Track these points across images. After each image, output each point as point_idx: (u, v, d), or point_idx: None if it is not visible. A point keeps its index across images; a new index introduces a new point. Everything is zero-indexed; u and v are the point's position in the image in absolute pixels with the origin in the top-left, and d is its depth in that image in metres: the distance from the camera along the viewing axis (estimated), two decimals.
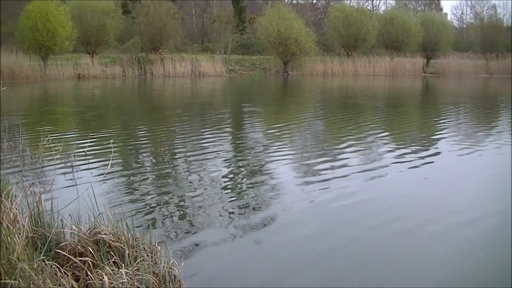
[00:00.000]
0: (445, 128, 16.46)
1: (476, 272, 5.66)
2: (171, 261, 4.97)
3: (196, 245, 6.07)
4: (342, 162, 10.79)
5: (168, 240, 6.12)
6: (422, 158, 11.27)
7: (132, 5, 50.51)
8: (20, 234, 4.51)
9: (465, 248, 6.30)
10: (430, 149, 12.67)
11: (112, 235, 5.05)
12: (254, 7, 66.96)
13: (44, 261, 4.39)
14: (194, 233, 6.45)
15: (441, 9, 78.57)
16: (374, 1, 79.97)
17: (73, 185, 8.49)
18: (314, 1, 77.70)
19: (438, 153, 12.04)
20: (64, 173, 9.26)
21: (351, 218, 7.17)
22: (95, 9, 41.51)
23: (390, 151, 12.15)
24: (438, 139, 14.32)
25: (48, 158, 10.08)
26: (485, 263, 5.90)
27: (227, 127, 16.79)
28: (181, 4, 61.00)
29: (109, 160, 9.22)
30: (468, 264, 5.86)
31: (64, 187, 8.32)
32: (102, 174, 8.98)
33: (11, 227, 4.45)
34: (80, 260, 4.74)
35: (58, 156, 9.93)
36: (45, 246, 4.82)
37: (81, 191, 6.84)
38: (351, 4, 62.00)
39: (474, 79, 48.24)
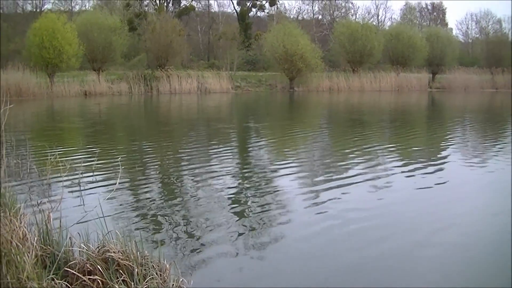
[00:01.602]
0: (451, 144, 16.44)
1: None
2: (181, 279, 4.94)
3: (205, 262, 6.04)
4: (348, 178, 10.75)
5: (177, 257, 6.09)
6: (428, 173, 11.24)
7: (138, 22, 50.77)
8: (29, 252, 4.50)
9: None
10: (436, 165, 12.61)
11: (121, 253, 5.02)
12: (260, 23, 67.18)
13: (53, 279, 4.37)
14: (202, 251, 6.42)
15: (446, 24, 78.82)
16: (379, 17, 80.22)
17: (81, 203, 8.48)
18: (320, 17, 77.94)
19: (446, 170, 11.99)
20: (72, 191, 9.25)
21: (357, 235, 7.13)
22: (102, 26, 41.68)
23: (396, 166, 12.13)
24: (446, 156, 14.26)
25: (55, 175, 10.07)
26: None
27: (234, 144, 16.80)
28: (187, 21, 61.27)
29: (117, 177, 9.20)
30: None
31: (72, 205, 8.30)
32: (110, 192, 8.97)
33: (21, 246, 4.44)
34: (89, 279, 4.72)
35: (65, 174, 9.92)
36: (54, 265, 4.80)
37: (88, 209, 6.84)
38: (356, 20, 62.14)
39: (480, 94, 48.20)
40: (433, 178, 10.85)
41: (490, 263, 6.00)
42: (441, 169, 11.96)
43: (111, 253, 4.99)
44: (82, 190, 9.37)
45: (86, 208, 7.59)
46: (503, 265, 5.86)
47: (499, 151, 14.57)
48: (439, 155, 14.40)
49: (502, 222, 7.53)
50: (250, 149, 15.67)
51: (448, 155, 14.16)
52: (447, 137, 18.30)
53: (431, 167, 12.18)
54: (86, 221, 5.76)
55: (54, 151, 10.69)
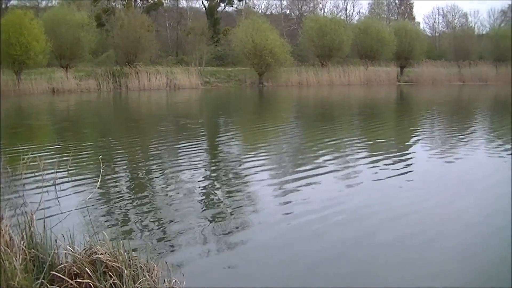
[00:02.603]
0: (421, 135, 16.62)
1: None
2: (173, 281, 4.87)
3: (195, 262, 5.99)
4: (316, 170, 10.89)
5: (164, 257, 6.01)
6: (399, 168, 11.29)
7: (106, 18, 50.23)
8: (17, 257, 4.37)
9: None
10: (407, 159, 12.66)
11: (109, 254, 4.91)
12: (229, 18, 66.90)
13: (43, 284, 4.26)
14: (185, 249, 6.38)
15: (414, 18, 79.14)
16: (347, 11, 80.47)
17: (58, 204, 8.34)
18: (288, 12, 77.95)
19: (415, 162, 12.09)
20: (48, 192, 9.08)
21: (330, 232, 7.11)
22: (69, 22, 41.07)
23: (367, 161, 12.16)
24: (415, 148, 14.39)
25: (29, 176, 9.89)
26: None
27: (203, 139, 16.74)
28: (155, 16, 60.76)
29: (93, 176, 9.08)
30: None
31: (50, 206, 8.15)
32: (88, 190, 8.84)
33: (8, 251, 4.31)
34: (77, 282, 4.61)
35: (40, 174, 9.74)
36: (41, 269, 4.68)
37: (67, 210, 6.71)
38: (325, 14, 62.29)
39: (447, 87, 48.64)
40: (402, 170, 11.00)
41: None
42: (408, 161, 12.10)
43: (98, 255, 4.88)
44: (58, 190, 9.23)
45: (66, 209, 7.45)
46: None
47: (466, 143, 14.70)
48: (407, 148, 14.50)
49: (501, 221, 7.56)
50: (219, 143, 15.68)
51: (415, 147, 14.30)
52: (414, 130, 18.52)
53: (399, 159, 12.29)
54: (68, 221, 5.60)
55: (26, 150, 10.48)
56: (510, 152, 12.95)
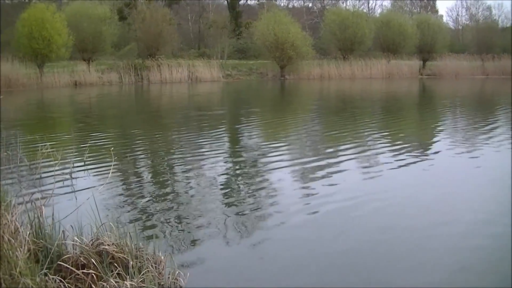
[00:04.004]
0: (443, 130, 16.47)
1: (476, 272, 5.61)
2: (177, 272, 4.88)
3: (200, 255, 6.00)
4: (340, 166, 10.77)
5: (171, 250, 6.03)
6: (421, 161, 11.25)
7: (128, 11, 50.31)
8: (21, 247, 4.42)
9: (465, 248, 6.26)
10: (429, 152, 12.63)
11: (115, 246, 4.95)
12: (250, 12, 66.82)
13: (47, 274, 4.30)
14: (196, 243, 6.38)
15: (437, 11, 78.51)
16: (369, 4, 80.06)
17: (73, 195, 8.42)
18: (310, 5, 77.71)
19: (437, 156, 12.06)
20: (63, 183, 9.17)
21: (349, 226, 7.10)
22: (91, 16, 41.33)
23: (388, 154, 12.09)
24: (437, 142, 14.32)
25: (46, 167, 9.97)
26: (485, 263, 5.85)
27: (225, 133, 16.72)
28: (177, 10, 60.86)
29: (109, 168, 9.11)
30: (468, 264, 5.81)
31: (64, 197, 8.23)
32: (102, 184, 8.88)
33: (13, 241, 4.36)
34: (83, 272, 4.65)
35: (57, 165, 9.82)
36: (47, 259, 4.72)
37: (81, 201, 6.75)
38: (347, 7, 61.98)
39: (470, 81, 48.17)
40: (427, 167, 10.84)
41: (490, 263, 5.95)
42: (434, 158, 11.95)
43: (105, 246, 4.93)
44: (74, 181, 9.30)
45: (79, 200, 7.51)
46: (503, 265, 5.81)
47: (490, 137, 14.53)
48: (428, 141, 14.42)
49: (501, 217, 7.49)
50: (242, 138, 15.61)
51: (441, 143, 14.14)
52: (437, 124, 18.33)
53: (425, 156, 12.18)
54: (79, 214, 5.64)
55: (45, 143, 10.55)
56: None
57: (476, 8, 75.67)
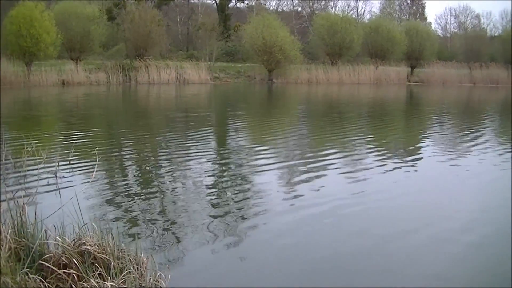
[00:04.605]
0: (429, 136, 16.54)
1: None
2: (158, 274, 4.88)
3: (183, 256, 6.00)
4: (325, 169, 10.81)
5: (154, 251, 6.02)
6: (406, 166, 11.33)
7: (117, 11, 50.24)
8: (3, 246, 4.40)
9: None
10: (413, 158, 12.68)
11: (97, 246, 4.94)
12: (239, 15, 66.87)
13: (27, 274, 4.28)
14: (179, 244, 6.36)
15: (426, 19, 78.94)
16: (359, 10, 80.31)
17: (57, 194, 8.39)
18: (299, 9, 77.82)
19: (422, 162, 12.17)
20: (47, 181, 9.13)
21: (336, 229, 7.14)
22: (80, 15, 41.24)
23: (373, 159, 12.16)
24: (422, 148, 14.38)
25: (31, 166, 9.93)
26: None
27: (212, 136, 16.71)
28: (166, 11, 60.82)
29: (94, 168, 9.08)
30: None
31: (47, 196, 8.20)
32: (87, 183, 8.85)
33: None
34: (65, 272, 4.63)
35: (41, 164, 9.79)
36: (29, 258, 4.70)
37: (64, 200, 6.72)
38: (336, 12, 62.16)
39: (458, 88, 48.47)
40: (411, 169, 10.92)
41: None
42: (419, 162, 12.03)
43: (87, 246, 4.91)
44: (59, 181, 9.26)
45: (62, 199, 7.47)
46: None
47: (476, 144, 14.61)
48: (413, 147, 14.50)
49: (499, 219, 7.54)
50: (228, 141, 15.63)
51: (427, 148, 14.23)
52: (424, 130, 18.42)
53: (410, 160, 12.25)
54: (62, 213, 5.62)
55: (30, 141, 10.51)
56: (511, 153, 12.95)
57: (464, 16, 76.31)
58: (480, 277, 5.61)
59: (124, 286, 4.49)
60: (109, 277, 4.59)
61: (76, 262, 4.71)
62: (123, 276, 4.59)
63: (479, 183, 9.98)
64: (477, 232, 6.99)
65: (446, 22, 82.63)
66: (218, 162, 11.82)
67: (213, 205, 8.07)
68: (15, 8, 36.52)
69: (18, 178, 9.25)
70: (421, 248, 6.42)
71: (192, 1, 70.49)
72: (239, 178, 10.02)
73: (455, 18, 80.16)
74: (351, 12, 71.43)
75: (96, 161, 8.60)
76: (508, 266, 5.75)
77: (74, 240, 5.07)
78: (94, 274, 4.60)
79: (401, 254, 6.22)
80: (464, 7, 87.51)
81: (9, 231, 4.87)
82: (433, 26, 78.20)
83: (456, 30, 77.95)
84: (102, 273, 4.66)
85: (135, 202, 8.19)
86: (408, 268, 5.84)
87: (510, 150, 13.74)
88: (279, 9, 74.97)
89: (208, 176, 10.14)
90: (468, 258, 6.17)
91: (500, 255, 6.15)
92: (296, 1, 78.58)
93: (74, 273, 4.59)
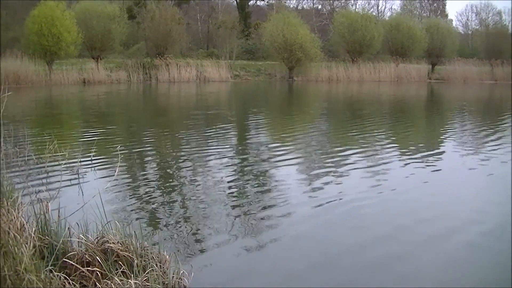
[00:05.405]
0: (450, 136, 16.39)
1: (476, 272, 5.60)
2: (181, 272, 4.88)
3: (204, 253, 6.00)
4: (347, 169, 10.72)
5: (176, 249, 6.03)
6: (427, 165, 11.19)
7: (138, 10, 50.42)
8: (27, 243, 4.43)
9: (465, 248, 6.25)
10: (435, 156, 12.58)
11: (120, 244, 4.96)
12: (259, 13, 66.89)
13: (51, 271, 4.30)
14: (202, 242, 6.37)
15: (446, 16, 78.55)
16: (379, 7, 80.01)
17: (79, 192, 8.43)
18: (319, 7, 77.69)
19: (441, 159, 12.15)
20: (70, 180, 9.18)
21: (355, 225, 7.13)
22: (101, 14, 41.52)
23: (395, 158, 12.10)
24: (443, 147, 14.28)
25: (54, 164, 9.99)
26: (485, 263, 5.84)
27: (233, 133, 16.73)
28: (187, 9, 60.97)
29: (116, 166, 9.12)
30: (468, 264, 5.80)
31: (70, 194, 8.25)
32: (109, 181, 8.90)
33: (18, 237, 4.37)
34: (88, 270, 4.65)
35: (64, 162, 9.85)
36: (53, 256, 4.73)
37: (87, 199, 6.76)
38: (356, 10, 61.96)
39: (479, 86, 48.09)
40: (431, 168, 10.84)
41: (490, 263, 5.94)
42: (438, 159, 11.94)
43: (110, 244, 4.94)
44: (81, 178, 9.31)
45: (85, 198, 7.50)
46: (503, 265, 5.80)
47: (497, 142, 14.47)
48: (437, 146, 14.39)
49: (502, 219, 7.47)
50: (249, 139, 15.61)
51: (446, 146, 14.16)
52: (445, 128, 18.29)
53: (430, 157, 12.17)
54: (84, 211, 5.64)
55: (53, 139, 10.57)
56: None
57: (486, 13, 75.48)
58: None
59: (147, 284, 4.50)
60: (132, 275, 4.61)
61: (99, 260, 4.73)
62: (146, 274, 4.61)
63: (498, 181, 9.89)
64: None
65: (467, 19, 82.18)
66: (240, 161, 11.80)
67: (235, 205, 8.05)
68: (36, 8, 36.83)
69: (41, 176, 9.32)
70: (438, 240, 6.40)
71: (212, 0, 70.61)
72: (261, 177, 10.01)
73: (476, 15, 79.53)
74: (371, 10, 71.26)
75: (118, 158, 8.62)
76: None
77: (97, 238, 5.10)
78: (117, 272, 4.62)
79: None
80: (486, 4, 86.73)
81: (33, 229, 4.90)
82: (454, 23, 77.82)
83: (477, 27, 77.22)
84: (125, 271, 4.67)
85: (156, 199, 8.22)
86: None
87: None
88: (299, 7, 74.95)
89: (230, 175, 10.12)
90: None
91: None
92: None
93: (98, 271, 4.61)
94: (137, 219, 7.05)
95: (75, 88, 35.44)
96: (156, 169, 10.90)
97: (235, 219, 7.24)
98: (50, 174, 9.49)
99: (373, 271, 5.65)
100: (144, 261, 4.85)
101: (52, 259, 4.64)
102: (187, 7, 61.60)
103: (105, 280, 4.50)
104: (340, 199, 8.25)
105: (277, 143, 14.21)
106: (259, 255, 6.08)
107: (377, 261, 5.89)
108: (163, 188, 9.08)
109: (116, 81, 40.80)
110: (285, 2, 71.79)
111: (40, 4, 37.18)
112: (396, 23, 53.87)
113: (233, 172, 10.36)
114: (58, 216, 5.22)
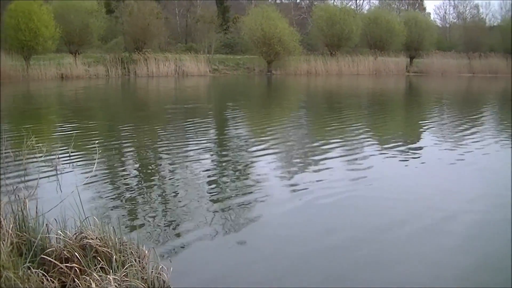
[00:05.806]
0: (430, 127, 16.50)
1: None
2: (160, 266, 4.88)
3: (184, 248, 6.00)
4: (327, 161, 10.75)
5: (156, 243, 6.02)
6: (407, 157, 11.26)
7: (116, 4, 50.14)
8: (4, 240, 4.41)
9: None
10: (414, 146, 12.67)
11: (99, 239, 4.95)
12: (238, 6, 66.78)
13: (30, 268, 4.29)
14: (181, 236, 6.37)
15: (424, 9, 78.78)
16: (357, 1, 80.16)
17: (57, 188, 8.39)
18: (298, 1, 77.73)
19: (421, 150, 12.20)
20: (48, 175, 9.13)
21: (338, 218, 7.15)
22: (78, 9, 41.18)
23: (374, 149, 12.21)
24: (424, 139, 14.36)
25: (31, 160, 9.93)
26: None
27: (211, 127, 16.71)
28: (165, 4, 60.62)
29: (94, 161, 9.08)
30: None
31: (48, 190, 8.21)
32: (88, 177, 8.86)
33: None
34: (67, 266, 4.63)
35: (42, 158, 9.79)
36: (31, 252, 4.71)
37: (65, 194, 6.73)
38: (335, 3, 62.04)
39: (457, 79, 48.39)
40: (411, 159, 10.91)
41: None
42: (419, 152, 11.99)
43: (89, 239, 4.92)
44: (59, 174, 9.27)
45: (64, 193, 7.48)
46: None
47: (474, 134, 14.59)
48: (418, 138, 14.47)
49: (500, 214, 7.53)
50: (228, 132, 15.60)
51: (427, 138, 14.24)
52: (423, 120, 18.40)
53: (408, 149, 12.25)
54: (63, 207, 5.61)
55: (30, 135, 10.50)
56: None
57: (463, 6, 75.83)
58: (480, 277, 5.58)
59: (126, 279, 4.50)
60: (111, 270, 4.60)
61: (78, 256, 4.72)
62: (125, 269, 4.60)
63: (478, 171, 9.96)
64: (475, 222, 7.00)
65: (445, 13, 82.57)
66: (218, 154, 11.82)
67: (215, 198, 8.05)
68: (13, 2, 36.47)
69: (19, 172, 9.26)
70: (419, 237, 6.43)
71: None
72: (240, 171, 10.02)
73: (454, 8, 79.90)
74: (350, 3, 71.32)
75: (96, 153, 8.58)
76: (508, 266, 5.72)
77: (75, 233, 5.08)
78: (96, 268, 4.61)
79: (396, 252, 6.17)
80: None
81: (11, 225, 4.88)
82: (432, 16, 78.27)
83: (455, 20, 77.68)
84: (104, 266, 4.67)
85: (135, 194, 8.20)
86: (404, 266, 5.81)
87: (509, 139, 13.75)
88: (278, 1, 74.92)
89: (209, 169, 10.12)
90: (467, 257, 6.14)
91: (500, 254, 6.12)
92: None
93: (76, 267, 4.59)
94: (116, 214, 7.02)
95: (53, 83, 35.18)
96: (135, 164, 10.87)
97: (214, 213, 7.24)
98: (27, 170, 9.43)
99: (365, 269, 5.64)
100: (123, 256, 4.84)
101: (30, 256, 4.61)
102: (165, 1, 61.32)
103: (84, 276, 4.49)
104: (322, 193, 8.23)
105: (256, 136, 14.22)
106: (239, 250, 6.10)
107: (369, 259, 5.89)
108: (142, 183, 9.06)
109: (94, 76, 40.56)
110: None
111: None
112: (374, 17, 54.03)
113: (213, 166, 10.37)
114: (36, 212, 5.19)
